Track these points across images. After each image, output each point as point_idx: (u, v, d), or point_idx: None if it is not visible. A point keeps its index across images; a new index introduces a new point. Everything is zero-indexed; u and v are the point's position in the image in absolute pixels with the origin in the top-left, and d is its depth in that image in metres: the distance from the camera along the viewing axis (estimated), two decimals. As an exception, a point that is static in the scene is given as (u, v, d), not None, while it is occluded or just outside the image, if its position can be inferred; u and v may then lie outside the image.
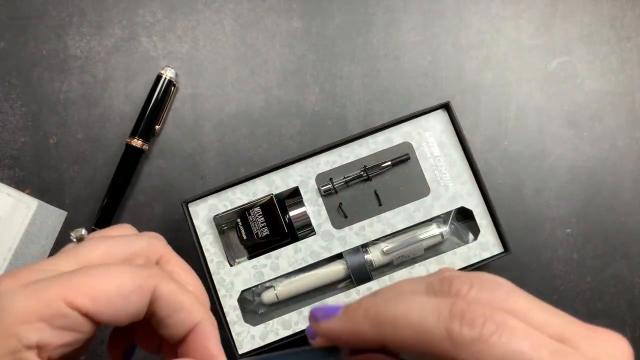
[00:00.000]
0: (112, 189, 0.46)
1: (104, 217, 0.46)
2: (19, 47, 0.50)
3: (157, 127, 0.48)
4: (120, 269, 0.17)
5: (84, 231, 0.21)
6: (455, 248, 0.43)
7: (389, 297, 0.17)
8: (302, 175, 0.43)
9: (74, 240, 0.22)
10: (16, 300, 0.15)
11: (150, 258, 0.21)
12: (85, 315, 0.16)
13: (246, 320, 0.42)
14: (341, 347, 0.18)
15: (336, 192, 0.43)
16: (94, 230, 0.46)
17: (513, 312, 0.15)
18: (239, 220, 0.42)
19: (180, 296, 0.18)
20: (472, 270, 0.42)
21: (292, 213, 0.43)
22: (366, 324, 0.16)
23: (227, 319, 0.42)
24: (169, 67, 0.48)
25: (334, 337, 0.18)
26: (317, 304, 0.42)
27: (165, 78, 0.47)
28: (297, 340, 0.42)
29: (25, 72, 0.49)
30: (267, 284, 0.43)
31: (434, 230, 0.43)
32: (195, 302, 0.19)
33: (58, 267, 0.18)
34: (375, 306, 0.16)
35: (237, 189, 0.43)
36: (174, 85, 0.48)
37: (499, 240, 0.42)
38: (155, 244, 0.21)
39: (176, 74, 0.48)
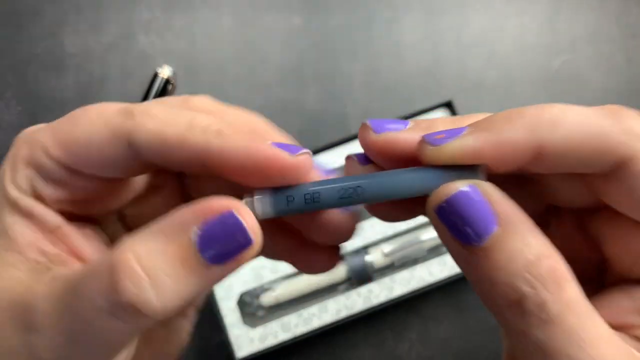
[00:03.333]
0: (109, 189, 0.46)
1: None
2: (14, 45, 0.49)
3: (154, 126, 0.47)
4: (94, 112, 0.15)
5: None
6: (457, 249, 0.42)
7: (535, 105, 0.14)
8: (302, 175, 0.43)
9: None
10: (12, 149, 0.15)
11: None
12: (63, 165, 0.15)
13: (245, 323, 0.41)
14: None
15: (336, 193, 0.43)
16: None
17: None
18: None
19: (164, 135, 0.14)
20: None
21: (291, 214, 0.42)
22: (520, 130, 0.14)
23: (226, 321, 0.41)
24: (166, 65, 0.47)
25: (468, 158, 0.14)
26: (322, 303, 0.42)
27: (163, 76, 0.47)
28: (298, 343, 0.41)
29: (21, 70, 0.49)
30: (267, 286, 0.42)
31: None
32: (186, 135, 0.14)
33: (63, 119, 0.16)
34: (525, 111, 0.14)
35: (236, 189, 0.43)
36: (172, 84, 0.47)
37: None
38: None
39: (174, 72, 0.47)
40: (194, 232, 0.13)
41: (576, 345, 0.12)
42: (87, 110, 0.15)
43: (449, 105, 0.43)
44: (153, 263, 0.13)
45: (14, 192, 0.15)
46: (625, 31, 0.48)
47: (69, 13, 0.49)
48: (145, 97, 0.47)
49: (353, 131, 0.46)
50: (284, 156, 0.14)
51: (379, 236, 0.42)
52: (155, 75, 0.47)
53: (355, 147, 0.43)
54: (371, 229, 0.42)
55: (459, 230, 0.13)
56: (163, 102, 0.16)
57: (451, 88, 0.48)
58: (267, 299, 0.42)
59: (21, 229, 0.15)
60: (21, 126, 0.49)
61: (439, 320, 0.45)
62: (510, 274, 0.13)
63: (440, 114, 0.43)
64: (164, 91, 0.47)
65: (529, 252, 0.13)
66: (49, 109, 0.48)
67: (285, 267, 0.42)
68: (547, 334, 0.13)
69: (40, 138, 0.15)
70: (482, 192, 0.14)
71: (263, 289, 0.42)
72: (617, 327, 0.14)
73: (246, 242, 0.13)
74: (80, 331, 0.13)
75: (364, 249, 0.42)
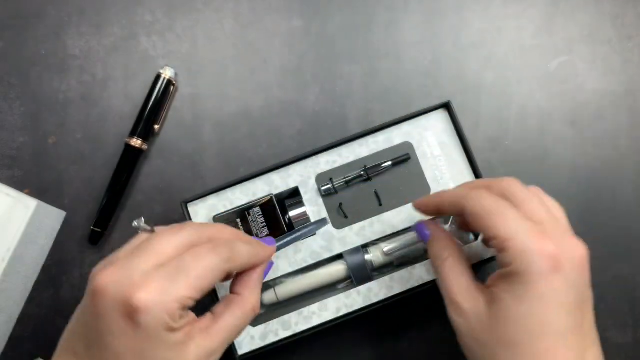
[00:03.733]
0: (112, 189, 0.46)
1: (103, 218, 0.46)
2: (18, 46, 0.50)
3: (156, 127, 0.47)
4: (210, 268, 0.29)
5: (142, 220, 0.32)
6: (456, 248, 0.42)
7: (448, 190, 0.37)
8: (302, 175, 0.43)
9: (143, 230, 0.32)
10: (166, 307, 0.27)
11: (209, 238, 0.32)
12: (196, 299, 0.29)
13: (246, 321, 0.42)
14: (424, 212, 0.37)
15: (336, 192, 0.43)
16: (95, 230, 0.46)
17: (511, 196, 0.32)
18: (238, 220, 0.42)
19: (244, 264, 0.33)
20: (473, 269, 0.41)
21: (292, 213, 0.43)
22: (443, 198, 0.35)
23: (227, 319, 0.41)
24: (168, 66, 0.48)
25: (432, 209, 0.36)
26: (316, 304, 0.42)
27: (165, 78, 0.47)
28: (298, 341, 0.41)
29: (24, 71, 0.49)
30: (267, 285, 0.43)
31: (434, 230, 0.43)
32: (253, 255, 0.34)
33: (147, 265, 0.28)
34: (441, 192, 0.36)
35: (237, 189, 0.43)
36: (173, 85, 0.48)
37: (500, 241, 0.42)
38: (216, 231, 0.33)
39: (175, 74, 0.48)
40: (262, 275, 0.35)
41: (448, 283, 0.33)
42: (200, 264, 0.29)
43: (447, 106, 0.43)
44: (258, 299, 0.34)
45: (175, 324, 0.28)
46: (621, 33, 0.49)
47: (71, 15, 0.50)
48: (147, 98, 0.47)
49: (352, 132, 0.47)
50: (274, 246, 0.37)
51: (378, 235, 0.43)
52: (158, 77, 0.47)
53: (354, 148, 0.43)
54: (370, 228, 0.43)
55: (421, 236, 0.37)
56: (211, 232, 0.33)
57: (449, 89, 0.48)
58: (267, 297, 0.42)
59: (183, 338, 0.29)
60: (25, 127, 0.49)
61: (438, 319, 0.46)
62: (432, 255, 0.35)
63: (439, 114, 0.43)
64: (165, 92, 0.47)
65: (438, 246, 0.35)
66: (52, 110, 0.49)
67: (286, 266, 0.43)
68: (437, 277, 0.34)
69: (185, 293, 0.28)
70: (426, 224, 0.37)
71: (264, 287, 0.43)
72: (488, 286, 0.31)
73: (270, 268, 0.37)
74: (239, 334, 0.33)
75: (364, 248, 0.43)
